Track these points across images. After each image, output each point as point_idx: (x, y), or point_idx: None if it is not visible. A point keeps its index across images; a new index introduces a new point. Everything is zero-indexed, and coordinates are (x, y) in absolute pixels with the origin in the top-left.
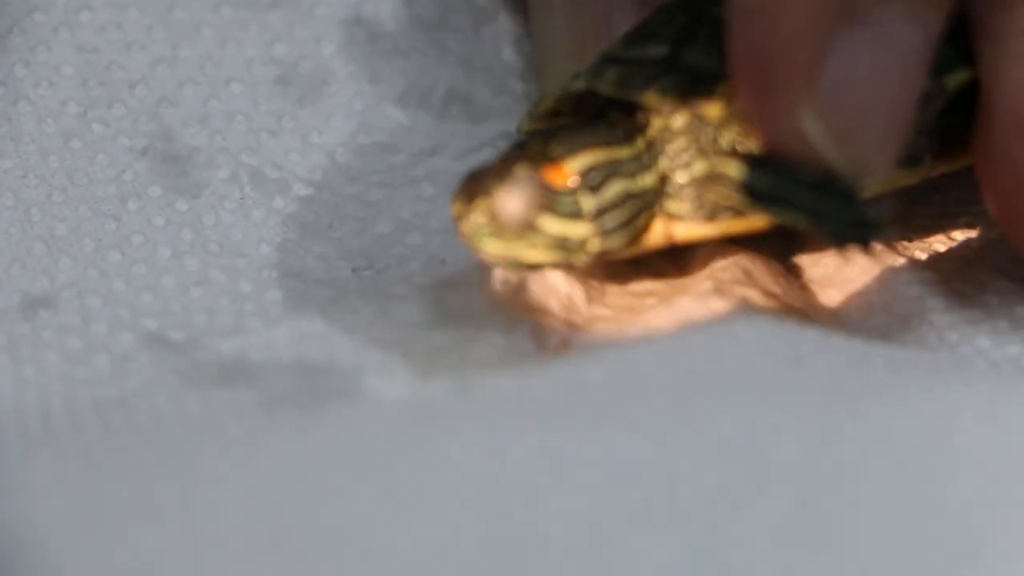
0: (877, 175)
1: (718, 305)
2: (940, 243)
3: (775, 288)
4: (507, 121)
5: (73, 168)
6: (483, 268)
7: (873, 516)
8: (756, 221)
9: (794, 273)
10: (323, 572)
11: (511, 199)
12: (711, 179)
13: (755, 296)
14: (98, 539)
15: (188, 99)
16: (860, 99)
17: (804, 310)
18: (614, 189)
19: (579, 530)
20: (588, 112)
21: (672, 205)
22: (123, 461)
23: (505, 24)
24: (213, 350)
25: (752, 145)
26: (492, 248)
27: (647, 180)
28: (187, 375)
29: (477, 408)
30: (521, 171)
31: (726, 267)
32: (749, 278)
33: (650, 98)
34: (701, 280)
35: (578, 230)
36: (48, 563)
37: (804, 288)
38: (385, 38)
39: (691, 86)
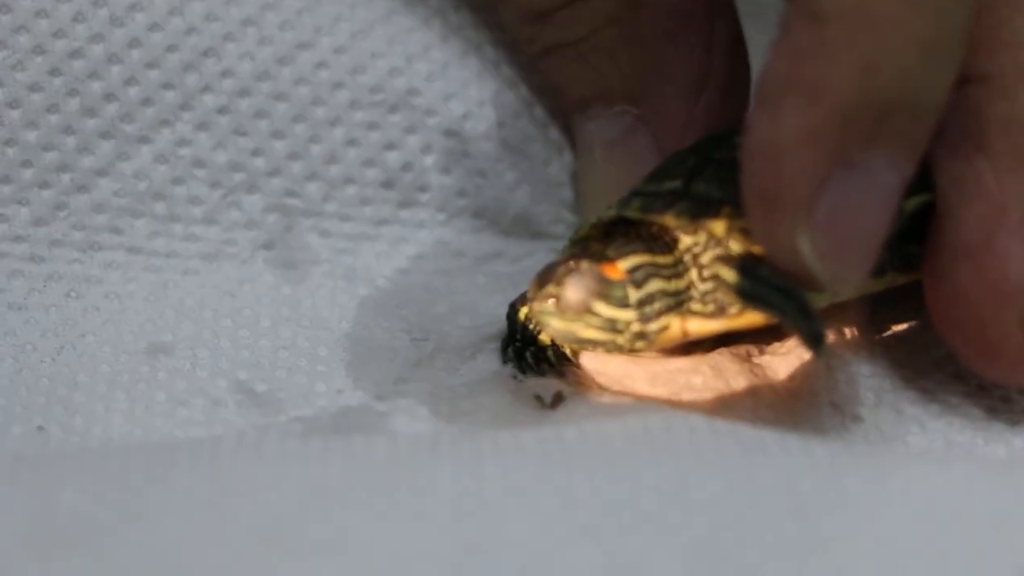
0: (854, 286)
1: (688, 394)
2: (884, 343)
3: (740, 380)
4: (556, 242)
5: (207, 252)
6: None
7: (773, 546)
8: (751, 319)
9: (763, 367)
10: (323, 570)
11: (574, 287)
12: (719, 283)
13: (721, 389)
14: (138, 529)
15: (312, 195)
16: (846, 227)
17: (762, 398)
18: (653, 286)
19: (533, 543)
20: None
21: (696, 306)
22: (175, 472)
23: (568, 159)
24: (285, 399)
25: (744, 255)
26: (556, 325)
27: (679, 284)
28: (261, 420)
29: (473, 449)
30: (584, 266)
31: (702, 365)
32: (718, 374)
33: (667, 219)
34: (687, 370)
35: (624, 315)
36: (100, 545)
37: (770, 380)
38: (476, 156)
39: (699, 210)
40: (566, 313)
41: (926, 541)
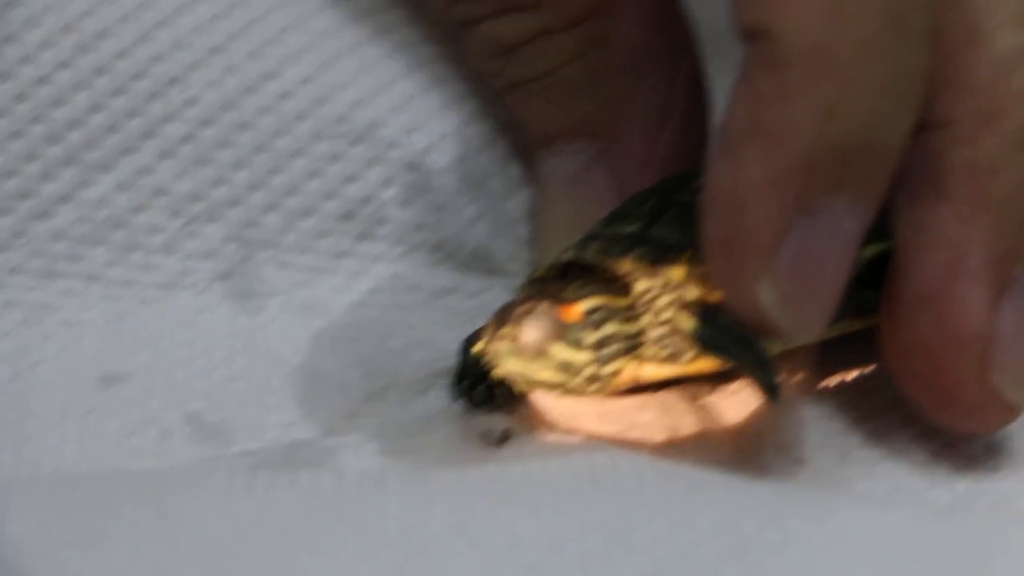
0: (814, 334)
1: (636, 432)
2: (831, 386)
3: (687, 419)
4: (514, 278)
5: (164, 282)
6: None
7: None
8: (705, 365)
9: (711, 407)
10: None
11: (532, 328)
12: (675, 329)
13: (669, 428)
14: (84, 560)
15: (271, 226)
16: (807, 274)
17: (709, 438)
18: (609, 328)
19: None
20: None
21: (650, 351)
22: (123, 503)
23: (526, 196)
24: (235, 431)
25: (702, 303)
26: (512, 366)
27: (633, 328)
28: (211, 452)
29: (420, 486)
30: (542, 307)
31: (650, 403)
32: (666, 412)
33: (625, 265)
34: (635, 408)
35: (580, 357)
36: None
37: (717, 420)
38: (436, 190)
39: (658, 255)
40: (523, 354)
41: None
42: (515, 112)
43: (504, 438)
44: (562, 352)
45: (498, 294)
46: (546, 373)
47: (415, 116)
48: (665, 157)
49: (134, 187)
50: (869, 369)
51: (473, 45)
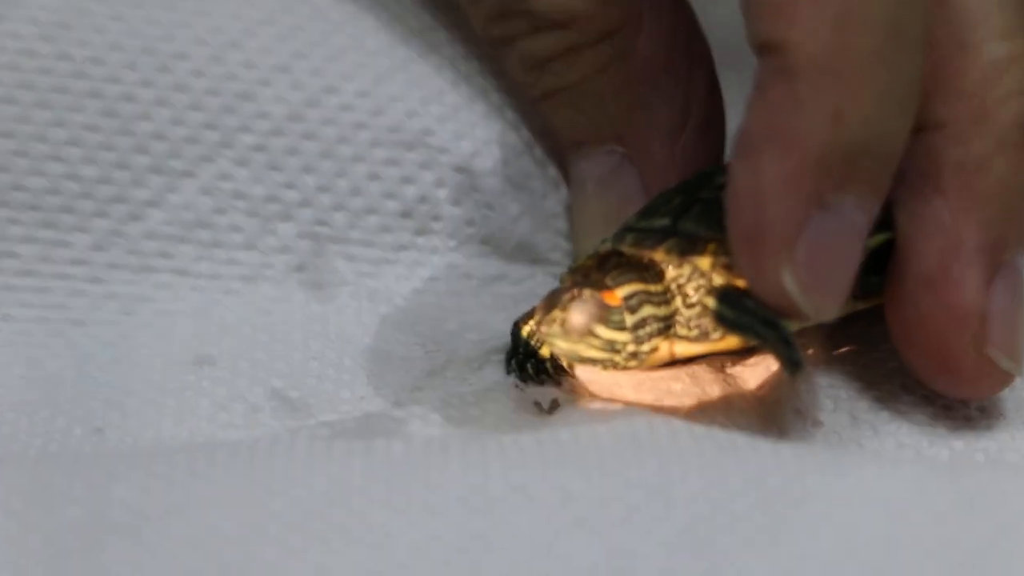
0: (832, 315)
1: (669, 400)
2: (841, 358)
3: (715, 388)
4: (555, 267)
5: (246, 275)
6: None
7: (745, 535)
8: (732, 343)
9: (735, 377)
10: (346, 556)
11: (578, 312)
12: (704, 311)
13: (698, 395)
14: (181, 519)
15: (339, 223)
16: (824, 263)
17: (734, 404)
18: (645, 311)
19: (533, 534)
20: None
21: (682, 330)
22: (215, 469)
23: (563, 194)
24: (314, 405)
25: (728, 287)
26: (561, 345)
27: (666, 310)
28: (293, 424)
29: (480, 451)
30: (586, 293)
31: (681, 374)
32: (695, 382)
33: (658, 254)
34: (668, 378)
35: (621, 337)
36: (148, 533)
37: (741, 388)
38: (483, 190)
39: (687, 246)
40: (571, 335)
41: (878, 531)
42: (549, 119)
43: (554, 407)
44: (605, 332)
45: (541, 281)
46: (592, 351)
47: (462, 125)
48: (685, 159)
49: (215, 191)
50: (872, 343)
51: (510, 60)
